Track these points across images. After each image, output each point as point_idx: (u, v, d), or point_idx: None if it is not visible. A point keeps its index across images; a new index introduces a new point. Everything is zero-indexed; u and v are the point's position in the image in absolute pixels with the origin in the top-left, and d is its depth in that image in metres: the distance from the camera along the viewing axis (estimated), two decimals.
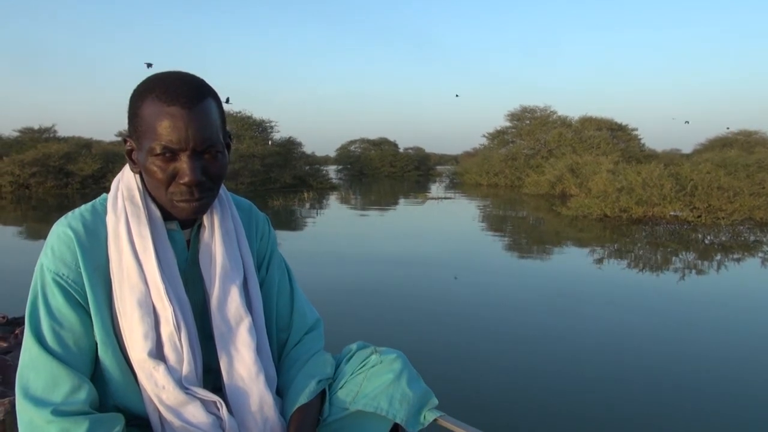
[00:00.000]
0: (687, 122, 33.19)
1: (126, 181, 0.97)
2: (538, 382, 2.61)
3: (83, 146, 18.19)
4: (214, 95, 0.92)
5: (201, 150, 0.88)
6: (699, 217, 9.20)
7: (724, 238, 7.59)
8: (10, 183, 15.61)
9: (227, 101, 20.31)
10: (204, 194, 0.91)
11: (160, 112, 0.85)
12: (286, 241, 7.50)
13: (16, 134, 20.21)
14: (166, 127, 0.85)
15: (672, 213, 9.45)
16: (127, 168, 0.98)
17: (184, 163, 0.88)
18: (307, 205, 12.91)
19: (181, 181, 0.88)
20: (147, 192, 0.96)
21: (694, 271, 5.48)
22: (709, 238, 7.63)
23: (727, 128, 25.90)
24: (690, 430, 2.20)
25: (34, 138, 19.64)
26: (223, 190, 1.04)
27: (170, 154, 0.87)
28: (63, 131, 20.95)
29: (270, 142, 20.57)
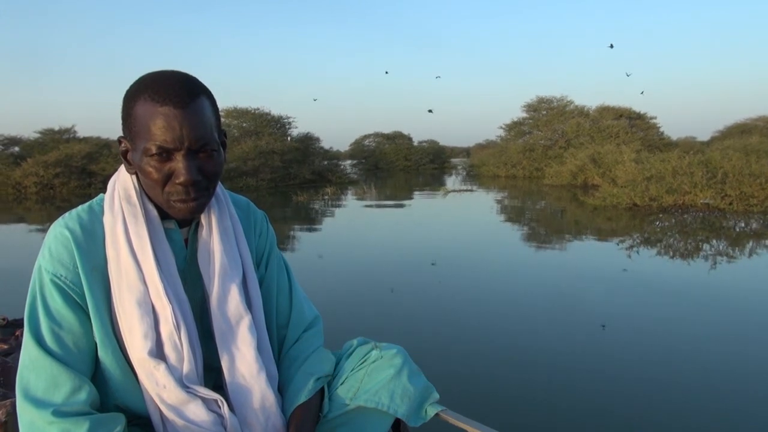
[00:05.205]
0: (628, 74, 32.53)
1: (122, 181, 0.96)
2: (542, 377, 2.57)
3: (103, 146, 18.41)
4: (207, 93, 0.91)
5: (196, 149, 0.88)
6: (731, 204, 9.07)
7: (755, 225, 7.48)
8: (35, 184, 15.89)
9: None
10: (200, 193, 0.91)
11: (153, 113, 0.85)
12: (310, 236, 7.49)
13: (36, 135, 20.49)
14: (160, 127, 0.85)
15: (703, 201, 9.32)
16: (123, 168, 0.98)
17: (179, 163, 0.87)
18: (328, 201, 12.90)
19: (177, 181, 0.88)
20: (144, 192, 0.95)
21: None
22: (740, 225, 7.51)
23: None
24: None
25: (55, 139, 19.88)
26: (220, 188, 1.04)
27: (165, 154, 0.87)
28: (80, 131, 21.18)
29: (289, 138, 20.62)
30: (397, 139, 33.28)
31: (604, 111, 22.06)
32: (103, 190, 0.98)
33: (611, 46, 18.04)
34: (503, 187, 16.27)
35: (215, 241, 0.99)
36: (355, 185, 17.93)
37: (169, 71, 0.90)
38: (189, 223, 1.00)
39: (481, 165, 23.86)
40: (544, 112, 23.29)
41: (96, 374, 0.92)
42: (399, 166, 30.97)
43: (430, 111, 26.03)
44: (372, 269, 5.16)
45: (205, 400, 0.93)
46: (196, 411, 0.91)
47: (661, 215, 8.66)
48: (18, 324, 2.37)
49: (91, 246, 0.91)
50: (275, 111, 21.90)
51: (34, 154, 17.23)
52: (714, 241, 6.47)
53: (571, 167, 16.01)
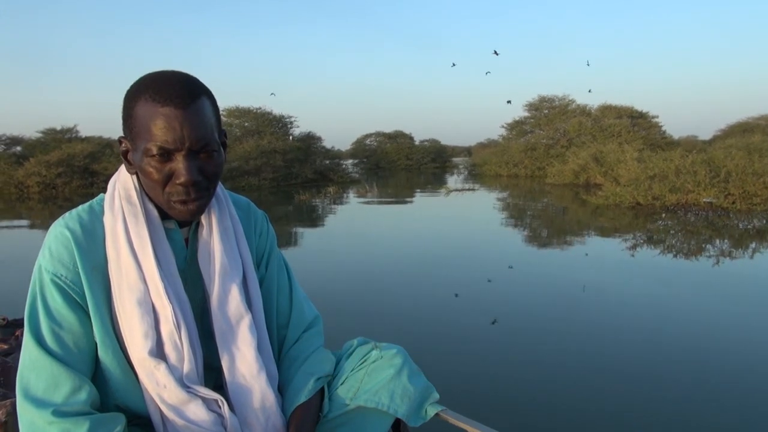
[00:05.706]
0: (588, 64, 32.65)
1: (123, 181, 0.96)
2: (542, 377, 2.56)
3: (105, 146, 18.43)
4: (207, 94, 0.91)
5: (196, 150, 0.88)
6: (734, 203, 9.05)
7: (758, 224, 7.46)
8: (37, 183, 15.92)
9: (272, 95, 20.50)
10: (201, 194, 0.91)
11: (154, 113, 0.85)
12: (313, 235, 7.49)
13: (38, 135, 20.53)
14: (161, 128, 0.85)
15: (706, 200, 9.30)
16: (123, 168, 0.98)
17: (179, 164, 0.87)
18: (331, 200, 12.89)
19: (178, 182, 0.88)
20: (144, 192, 0.95)
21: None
22: (743, 224, 7.49)
23: None
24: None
25: (57, 138, 19.91)
26: (220, 189, 1.04)
27: (166, 155, 0.87)
28: (82, 131, 21.20)
29: (291, 138, 20.62)
30: (399, 138, 33.28)
31: (606, 110, 22.03)
32: (106, 189, 0.98)
33: (495, 53, 18.42)
34: (505, 187, 16.26)
35: (215, 241, 0.99)
36: (357, 184, 17.92)
37: (169, 71, 0.90)
38: (189, 222, 1.00)
39: (482, 164, 23.83)
40: (546, 111, 23.26)
41: (96, 374, 0.92)
42: (400, 165, 30.97)
43: (508, 102, 26.07)
44: (373, 269, 5.16)
45: (205, 400, 0.93)
46: (197, 411, 0.91)
47: (664, 214, 8.65)
48: (18, 324, 2.37)
49: (91, 246, 0.91)
50: (276, 110, 21.90)
51: (36, 154, 17.27)
52: (717, 240, 6.45)
53: (573, 166, 16.00)
